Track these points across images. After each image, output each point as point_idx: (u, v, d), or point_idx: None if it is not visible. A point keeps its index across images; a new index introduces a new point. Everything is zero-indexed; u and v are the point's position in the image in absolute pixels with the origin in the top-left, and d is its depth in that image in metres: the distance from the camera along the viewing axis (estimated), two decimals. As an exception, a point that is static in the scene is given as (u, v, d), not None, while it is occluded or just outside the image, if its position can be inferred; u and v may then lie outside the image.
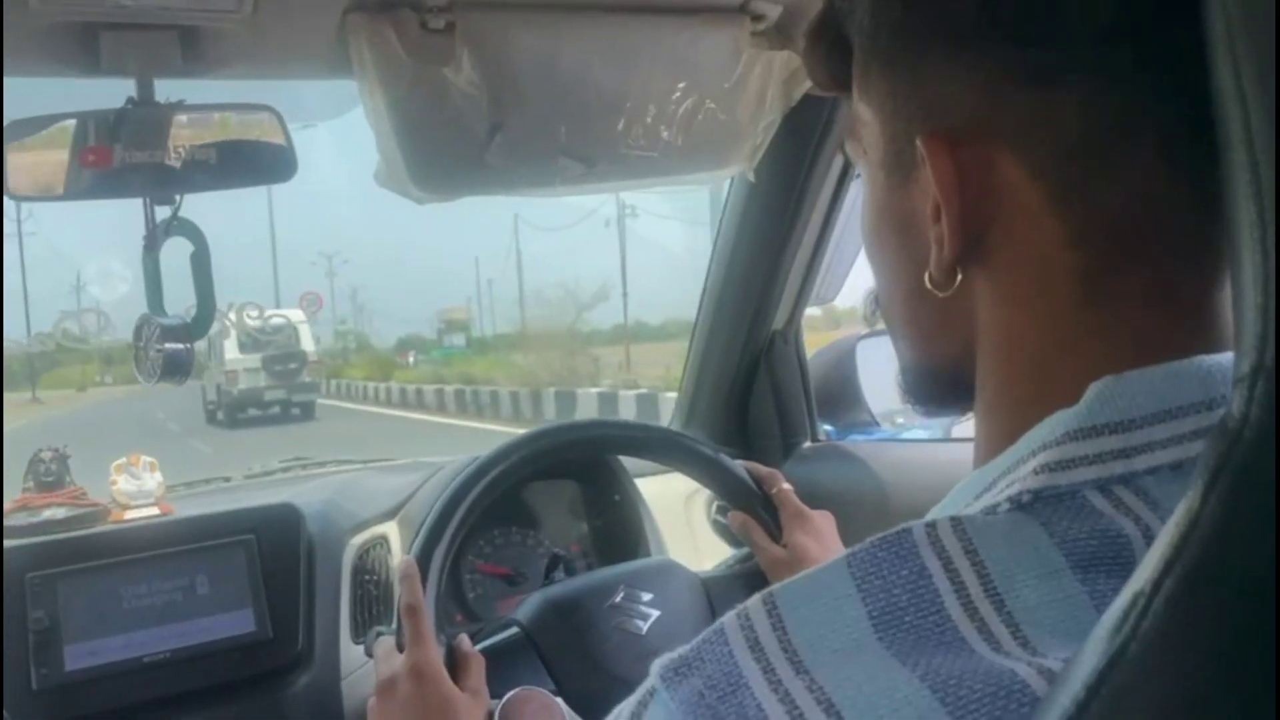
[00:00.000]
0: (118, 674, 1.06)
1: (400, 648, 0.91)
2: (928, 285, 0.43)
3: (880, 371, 1.64)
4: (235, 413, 16.19)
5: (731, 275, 1.50)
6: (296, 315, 17.16)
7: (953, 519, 0.37)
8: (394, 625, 0.96)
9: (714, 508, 1.55)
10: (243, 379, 16.14)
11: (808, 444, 1.58)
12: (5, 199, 1.03)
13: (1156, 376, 0.38)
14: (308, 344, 17.07)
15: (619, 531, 1.46)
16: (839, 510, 1.26)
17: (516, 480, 1.08)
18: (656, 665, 0.38)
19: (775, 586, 0.38)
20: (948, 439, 1.56)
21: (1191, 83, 0.31)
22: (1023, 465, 0.39)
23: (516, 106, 1.12)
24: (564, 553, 1.29)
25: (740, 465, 1.16)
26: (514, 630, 1.05)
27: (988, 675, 0.33)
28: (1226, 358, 0.38)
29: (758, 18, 1.15)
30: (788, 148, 1.30)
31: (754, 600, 0.38)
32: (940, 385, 0.48)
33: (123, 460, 1.37)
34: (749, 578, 1.13)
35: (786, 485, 1.14)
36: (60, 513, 1.32)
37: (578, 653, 1.02)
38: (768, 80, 1.19)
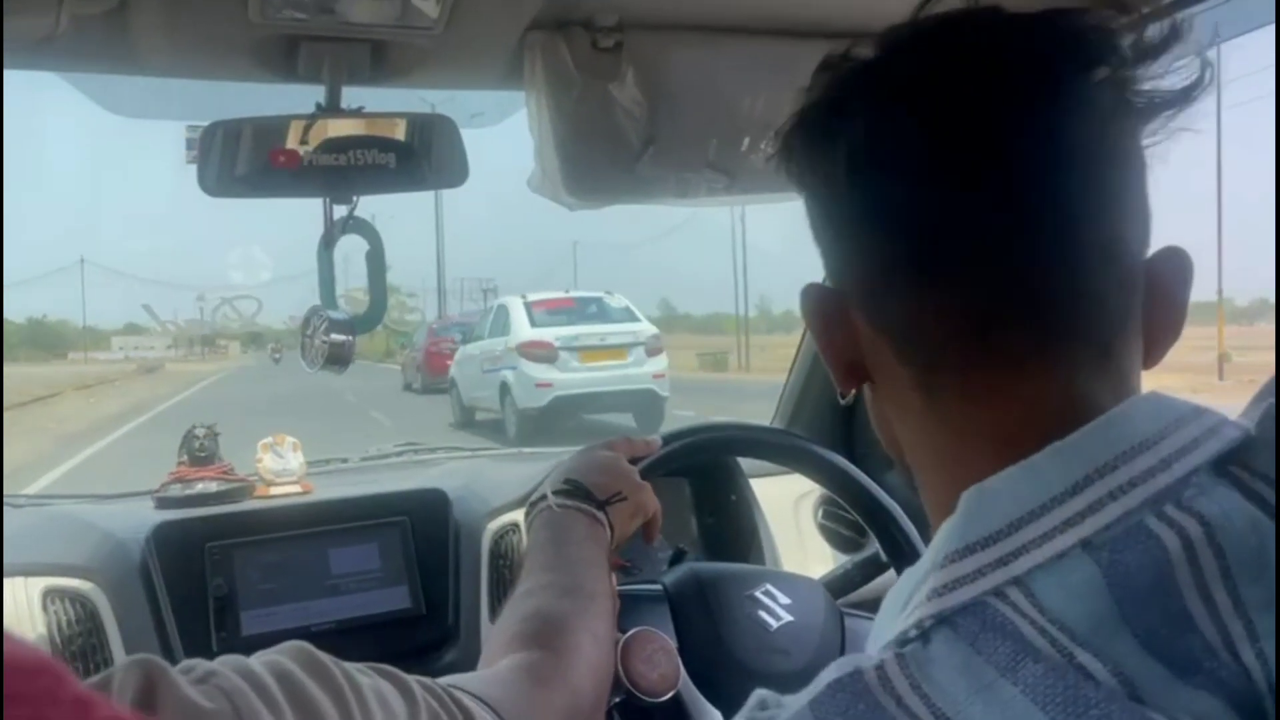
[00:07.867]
0: None
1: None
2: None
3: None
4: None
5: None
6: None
7: (897, 656, 0.40)
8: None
9: (820, 512, 1.60)
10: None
11: (913, 453, 1.60)
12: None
13: (1016, 477, 0.42)
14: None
15: (731, 532, 1.50)
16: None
17: (680, 465, 1.18)
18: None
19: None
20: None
21: None
22: (923, 584, 0.43)
23: (671, 121, 1.17)
24: (686, 550, 1.34)
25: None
26: (656, 586, 1.11)
27: None
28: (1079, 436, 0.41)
29: (906, 43, 1.20)
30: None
31: None
32: None
33: (269, 439, 1.45)
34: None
35: None
36: (212, 486, 1.40)
37: (705, 623, 1.07)
38: (909, 103, 1.23)
